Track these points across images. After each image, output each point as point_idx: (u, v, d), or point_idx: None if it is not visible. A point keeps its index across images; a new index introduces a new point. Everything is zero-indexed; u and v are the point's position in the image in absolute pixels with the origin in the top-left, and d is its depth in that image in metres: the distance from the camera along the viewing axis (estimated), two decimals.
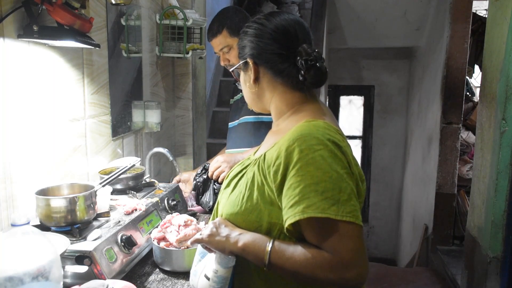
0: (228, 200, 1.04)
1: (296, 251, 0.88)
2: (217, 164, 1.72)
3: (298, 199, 0.86)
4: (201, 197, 1.79)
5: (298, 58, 0.99)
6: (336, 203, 0.85)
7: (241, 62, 1.09)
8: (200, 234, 1.01)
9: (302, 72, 0.98)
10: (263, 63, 1.04)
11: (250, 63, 1.05)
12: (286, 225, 0.89)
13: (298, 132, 0.91)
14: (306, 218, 0.85)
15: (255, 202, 0.96)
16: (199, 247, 1.07)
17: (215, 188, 1.75)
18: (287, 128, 0.99)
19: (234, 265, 0.99)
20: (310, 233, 0.88)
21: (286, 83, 1.04)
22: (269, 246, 0.91)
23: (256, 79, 1.06)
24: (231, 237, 0.96)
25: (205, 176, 1.78)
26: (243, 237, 0.95)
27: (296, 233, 0.91)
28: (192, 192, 1.96)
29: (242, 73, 1.11)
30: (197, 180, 1.79)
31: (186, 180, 1.99)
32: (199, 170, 1.82)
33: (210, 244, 0.99)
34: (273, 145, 0.98)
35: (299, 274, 0.88)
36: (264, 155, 0.98)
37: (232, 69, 1.17)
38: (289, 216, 0.87)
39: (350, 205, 0.86)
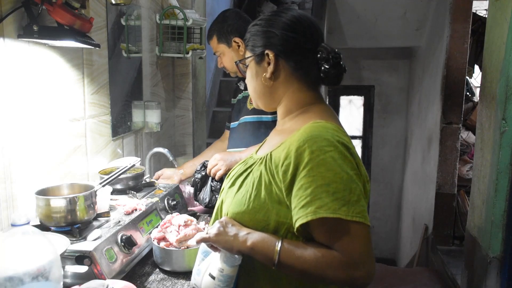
0: (234, 199, 1.03)
1: (306, 250, 0.89)
2: (214, 162, 1.74)
3: (310, 200, 0.87)
4: (198, 193, 1.81)
5: (320, 54, 0.99)
6: (346, 204, 0.86)
7: (254, 54, 1.05)
8: (207, 233, 1.00)
9: (325, 68, 0.98)
10: (286, 55, 1.01)
11: (271, 55, 1.02)
12: (296, 225, 0.89)
13: (308, 133, 0.92)
14: (317, 218, 0.85)
15: (263, 201, 0.96)
16: (202, 246, 1.07)
17: (212, 185, 1.78)
18: (293, 128, 0.99)
19: (240, 263, 0.99)
20: (320, 232, 0.89)
21: (303, 81, 1.03)
22: (278, 246, 0.91)
23: (274, 73, 1.03)
24: (239, 236, 0.95)
25: (203, 173, 1.80)
26: (251, 236, 0.95)
27: (305, 233, 0.91)
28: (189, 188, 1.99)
29: (253, 66, 1.06)
30: (196, 176, 1.81)
31: (168, 177, 2.01)
32: (198, 166, 1.84)
33: (218, 243, 0.98)
34: (279, 144, 0.98)
35: (309, 273, 0.88)
36: (271, 154, 0.98)
37: (239, 61, 1.12)
38: (300, 216, 0.88)
39: (359, 205, 0.87)
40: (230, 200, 1.05)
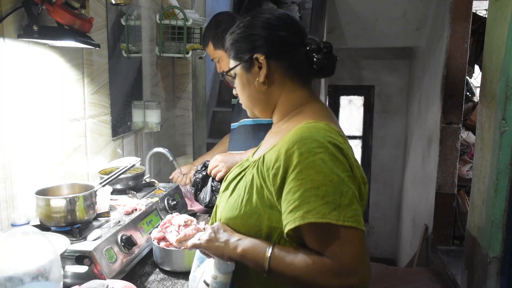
0: (227, 204, 1.01)
1: (297, 257, 0.86)
2: (215, 163, 1.74)
3: (298, 204, 0.83)
4: (199, 193, 1.81)
5: (310, 46, 0.98)
6: (337, 208, 0.82)
7: (241, 61, 1.01)
8: (199, 239, 0.98)
9: (318, 60, 0.97)
10: (276, 55, 0.98)
11: (261, 59, 0.97)
12: (286, 230, 0.86)
13: (298, 135, 0.88)
14: (306, 223, 0.83)
15: (254, 205, 0.93)
16: (197, 252, 1.05)
17: (213, 185, 1.77)
18: (287, 129, 0.97)
19: (234, 270, 0.97)
20: (311, 238, 0.86)
21: (296, 78, 1.00)
22: (268, 252, 0.88)
23: (267, 77, 0.98)
24: (230, 243, 0.93)
25: (204, 173, 1.80)
26: (242, 243, 0.92)
27: (297, 238, 0.88)
28: (190, 187, 1.99)
29: (242, 75, 1.02)
30: (197, 176, 1.81)
31: (186, 172, 2.04)
32: (199, 166, 1.85)
33: (209, 249, 0.96)
34: (272, 147, 0.95)
35: (300, 281, 0.85)
36: (263, 157, 0.95)
37: (225, 73, 1.07)
38: (288, 221, 0.85)
39: (351, 209, 0.83)
40: (223, 204, 1.02)
